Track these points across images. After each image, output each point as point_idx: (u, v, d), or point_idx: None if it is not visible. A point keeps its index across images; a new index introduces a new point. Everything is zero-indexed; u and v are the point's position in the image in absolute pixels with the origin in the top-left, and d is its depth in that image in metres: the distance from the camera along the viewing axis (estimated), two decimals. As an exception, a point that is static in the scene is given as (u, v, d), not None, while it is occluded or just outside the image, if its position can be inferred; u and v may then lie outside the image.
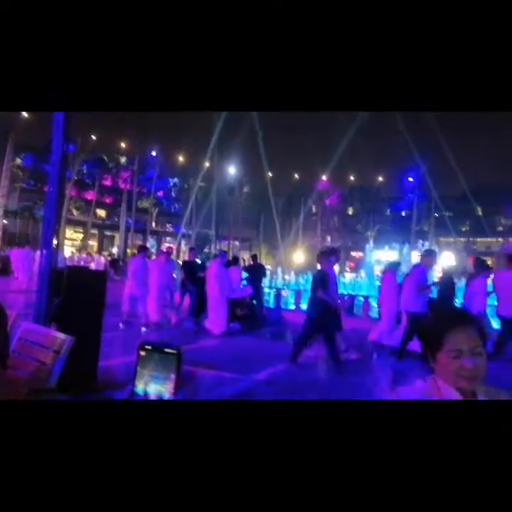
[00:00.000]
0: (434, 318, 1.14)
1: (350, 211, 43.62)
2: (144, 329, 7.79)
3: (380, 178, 43.24)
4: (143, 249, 9.04)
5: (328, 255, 6.02)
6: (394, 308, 6.96)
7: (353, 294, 13.47)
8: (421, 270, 6.33)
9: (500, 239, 35.57)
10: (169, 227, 41.12)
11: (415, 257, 20.00)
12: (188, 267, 9.57)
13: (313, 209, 42.53)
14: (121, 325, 7.83)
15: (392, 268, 7.70)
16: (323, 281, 5.72)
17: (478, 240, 36.27)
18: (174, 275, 10.12)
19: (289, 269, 22.30)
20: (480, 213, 35.65)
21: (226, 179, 38.83)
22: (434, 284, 6.96)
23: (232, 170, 38.88)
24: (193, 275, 9.13)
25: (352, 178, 43.71)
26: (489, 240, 35.34)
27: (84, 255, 26.22)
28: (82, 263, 21.45)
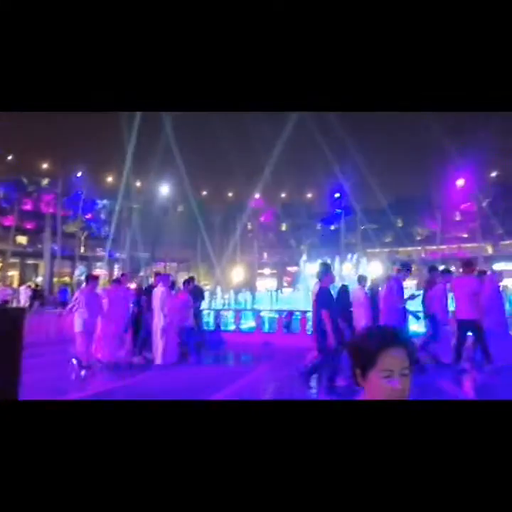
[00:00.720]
0: (370, 336, 1.10)
1: (283, 227, 44.98)
2: (82, 372, 6.95)
3: (309, 195, 45.37)
4: (93, 279, 7.87)
5: (327, 272, 5.72)
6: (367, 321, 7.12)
7: (290, 309, 13.69)
8: (399, 283, 6.71)
9: (419, 247, 38.83)
10: (100, 252, 39.07)
11: (345, 269, 20.95)
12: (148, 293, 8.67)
13: (249, 226, 43.20)
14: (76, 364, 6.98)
15: (361, 282, 7.84)
16: (325, 301, 5.42)
17: (400, 249, 39.25)
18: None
19: (228, 288, 22.22)
20: (400, 225, 38.70)
21: (159, 199, 38.08)
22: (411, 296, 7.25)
23: (164, 190, 38.27)
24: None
25: (283, 195, 45.32)
26: (410, 249, 38.40)
27: (1, 287, 23.76)
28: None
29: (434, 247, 37.54)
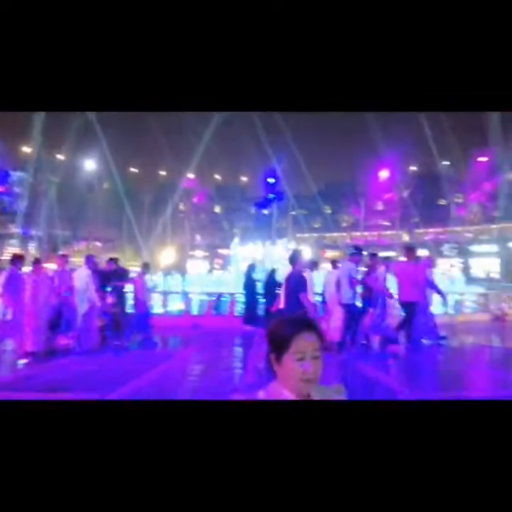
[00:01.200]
0: (284, 322, 1.19)
1: (217, 209, 44.63)
2: (22, 361, 6.30)
3: (244, 178, 45.43)
4: (18, 259, 6.95)
5: (300, 257, 6.02)
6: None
7: (219, 291, 13.68)
8: (350, 267, 7.08)
9: (344, 233, 41.03)
10: (13, 228, 35.52)
11: (277, 252, 21.39)
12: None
13: (181, 207, 42.14)
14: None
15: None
16: (303, 284, 5.63)
17: (327, 235, 41.16)
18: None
19: (157, 270, 21.54)
20: (329, 211, 40.46)
21: (83, 174, 35.42)
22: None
23: (90, 165, 35.64)
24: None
25: (218, 177, 44.80)
26: (336, 235, 40.44)
27: None
28: None
29: (358, 234, 39.88)
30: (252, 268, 10.34)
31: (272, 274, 9.53)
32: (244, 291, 10.10)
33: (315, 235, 40.04)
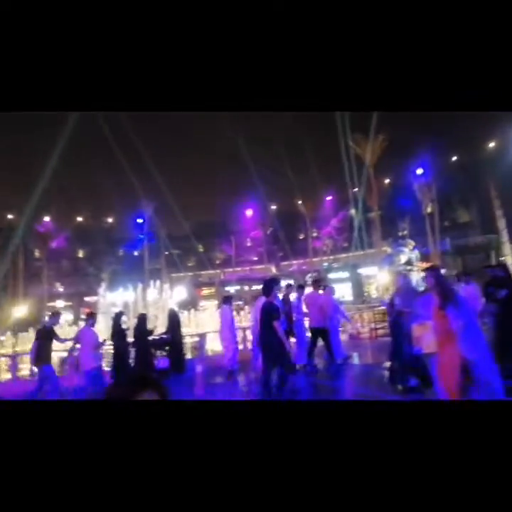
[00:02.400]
0: (119, 386, 1.12)
1: (80, 254, 40.95)
2: None
3: (110, 220, 43.02)
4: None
5: (274, 286, 6.43)
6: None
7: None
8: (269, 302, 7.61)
9: (218, 270, 41.98)
10: None
11: (150, 295, 20.50)
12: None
13: (37, 253, 37.37)
14: None
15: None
16: (277, 312, 6.02)
17: (203, 272, 41.51)
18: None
19: (5, 329, 18.31)
20: (201, 249, 41.08)
21: None
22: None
23: None
24: None
25: (80, 219, 41.46)
26: (211, 272, 41.08)
27: None
28: None
29: (231, 270, 41.30)
30: (119, 316, 9.61)
31: (142, 320, 9.06)
32: (112, 342, 9.24)
33: (190, 273, 39.92)
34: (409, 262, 20.32)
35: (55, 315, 8.25)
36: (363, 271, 33.65)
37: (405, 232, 32.70)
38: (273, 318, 6.03)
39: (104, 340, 8.21)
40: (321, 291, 8.93)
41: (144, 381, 1.10)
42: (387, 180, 38.51)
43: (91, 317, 7.80)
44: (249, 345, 10.79)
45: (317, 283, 9.05)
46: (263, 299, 7.42)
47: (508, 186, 28.68)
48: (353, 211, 40.27)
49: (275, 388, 5.73)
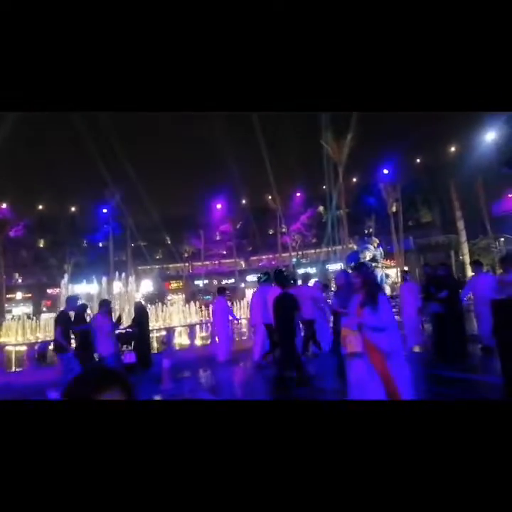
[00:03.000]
0: (80, 382, 1.05)
1: (41, 243, 39.20)
2: None
3: (73, 208, 41.40)
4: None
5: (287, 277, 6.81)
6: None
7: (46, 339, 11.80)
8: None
9: (186, 264, 41.54)
10: None
11: (116, 287, 20.02)
12: None
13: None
14: None
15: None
16: (297, 304, 6.29)
17: (171, 265, 40.93)
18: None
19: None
20: (169, 242, 40.44)
21: None
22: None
23: None
24: None
25: (41, 207, 39.62)
26: (179, 265, 40.60)
27: None
28: None
29: (200, 263, 40.98)
30: (83, 308, 9.28)
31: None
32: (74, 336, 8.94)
33: (157, 266, 39.24)
34: (374, 259, 21.02)
35: (72, 300, 8.07)
36: (331, 267, 34.39)
37: (371, 230, 33.71)
38: (294, 310, 6.29)
39: (119, 321, 8.16)
40: (310, 285, 9.34)
41: (110, 376, 1.07)
42: (354, 179, 39.50)
43: (105, 304, 7.69)
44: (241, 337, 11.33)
45: (307, 278, 9.52)
46: (272, 290, 7.58)
47: (467, 189, 30.20)
48: (321, 208, 40.99)
49: (291, 380, 5.96)
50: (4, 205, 35.39)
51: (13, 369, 9.56)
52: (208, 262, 41.65)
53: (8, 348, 10.23)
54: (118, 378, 1.08)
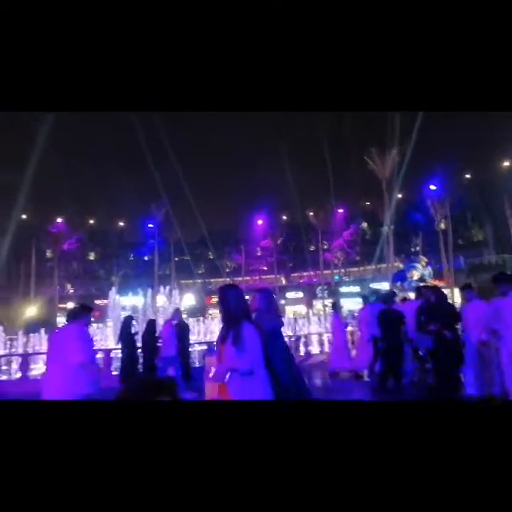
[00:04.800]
0: (132, 390, 1.14)
1: (91, 256, 41.25)
2: None
3: (121, 223, 43.36)
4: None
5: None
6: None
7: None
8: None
9: (227, 279, 41.96)
10: None
11: (160, 300, 20.49)
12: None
13: (49, 254, 37.73)
14: None
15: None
16: (403, 319, 6.45)
17: (212, 280, 41.53)
18: None
19: (16, 329, 18.37)
20: (211, 257, 41.14)
21: None
22: None
23: None
24: None
25: (92, 221, 41.84)
26: (221, 280, 41.06)
27: None
28: None
29: (240, 279, 41.24)
30: (128, 321, 9.60)
31: (151, 325, 9.05)
32: (120, 346, 9.25)
33: (199, 281, 39.97)
34: (422, 279, 20.17)
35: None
36: (375, 286, 33.42)
37: (418, 248, 32.48)
38: (400, 325, 6.47)
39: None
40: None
41: (160, 385, 1.14)
42: (399, 195, 38.47)
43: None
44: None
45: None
46: (372, 307, 7.74)
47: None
48: (365, 224, 40.16)
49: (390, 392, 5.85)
50: (60, 220, 37.70)
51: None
52: (248, 278, 41.84)
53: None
54: (167, 387, 1.13)
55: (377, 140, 31.13)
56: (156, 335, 8.72)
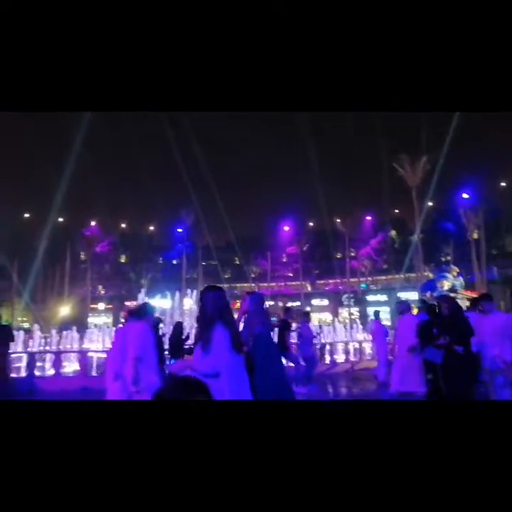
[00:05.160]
0: (170, 389, 1.14)
1: (122, 259, 42.51)
2: None
3: (151, 228, 44.52)
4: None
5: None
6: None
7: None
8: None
9: (253, 284, 42.17)
10: None
11: (187, 303, 20.83)
12: None
13: (82, 256, 39.19)
14: None
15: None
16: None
17: (238, 285, 41.81)
18: None
19: (51, 326, 19.17)
20: (237, 262, 41.49)
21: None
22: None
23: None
24: None
25: (123, 225, 43.18)
26: (246, 285, 41.29)
27: None
28: None
29: (266, 284, 41.35)
30: (157, 322, 9.90)
31: (178, 327, 9.30)
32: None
33: (226, 285, 40.37)
34: (452, 289, 19.57)
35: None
36: (403, 295, 32.74)
37: (449, 258, 31.61)
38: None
39: (188, 338, 8.86)
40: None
41: (196, 386, 1.14)
42: (430, 203, 37.62)
43: (306, 315, 9.91)
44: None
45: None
46: (411, 317, 7.59)
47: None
48: (393, 232, 39.45)
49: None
50: (93, 223, 39.14)
51: (93, 373, 10.36)
52: (273, 284, 41.88)
53: (89, 354, 11.11)
54: (202, 388, 1.14)
55: (408, 146, 30.68)
56: (183, 337, 8.95)
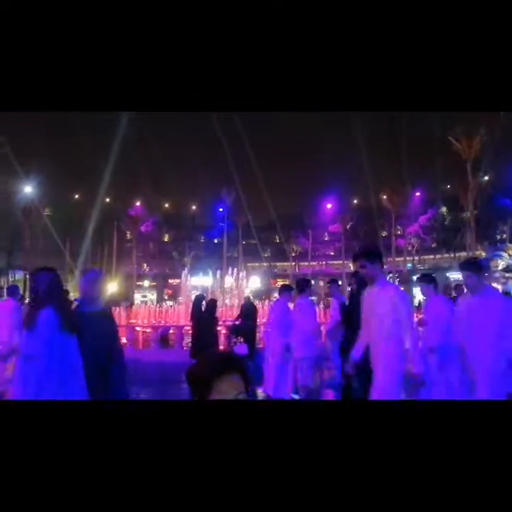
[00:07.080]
0: (204, 364, 1.11)
1: (166, 238, 43.75)
2: None
3: (194, 207, 45.24)
4: None
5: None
6: None
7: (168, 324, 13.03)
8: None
9: (293, 263, 41.99)
10: None
11: (228, 281, 21.13)
12: None
13: (128, 235, 40.80)
14: None
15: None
16: None
17: (278, 264, 41.86)
18: None
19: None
20: (278, 241, 41.34)
21: (19, 199, 33.20)
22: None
23: (28, 189, 33.53)
24: None
25: (167, 205, 44.21)
26: (286, 264, 41.24)
27: None
28: None
29: (306, 264, 40.96)
30: (199, 299, 9.97)
31: (212, 305, 9.27)
32: (192, 323, 9.71)
33: (265, 264, 40.49)
34: (507, 269, 18.24)
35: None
36: (453, 275, 31.05)
37: (504, 236, 29.37)
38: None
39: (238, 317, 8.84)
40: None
41: (231, 361, 1.10)
42: (486, 178, 34.85)
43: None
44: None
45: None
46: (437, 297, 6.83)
47: None
48: (444, 209, 37.24)
49: None
50: (138, 203, 40.40)
51: (140, 347, 10.81)
52: (314, 263, 41.37)
53: (136, 328, 11.58)
54: (238, 364, 1.10)
55: (464, 118, 28.38)
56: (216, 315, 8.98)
